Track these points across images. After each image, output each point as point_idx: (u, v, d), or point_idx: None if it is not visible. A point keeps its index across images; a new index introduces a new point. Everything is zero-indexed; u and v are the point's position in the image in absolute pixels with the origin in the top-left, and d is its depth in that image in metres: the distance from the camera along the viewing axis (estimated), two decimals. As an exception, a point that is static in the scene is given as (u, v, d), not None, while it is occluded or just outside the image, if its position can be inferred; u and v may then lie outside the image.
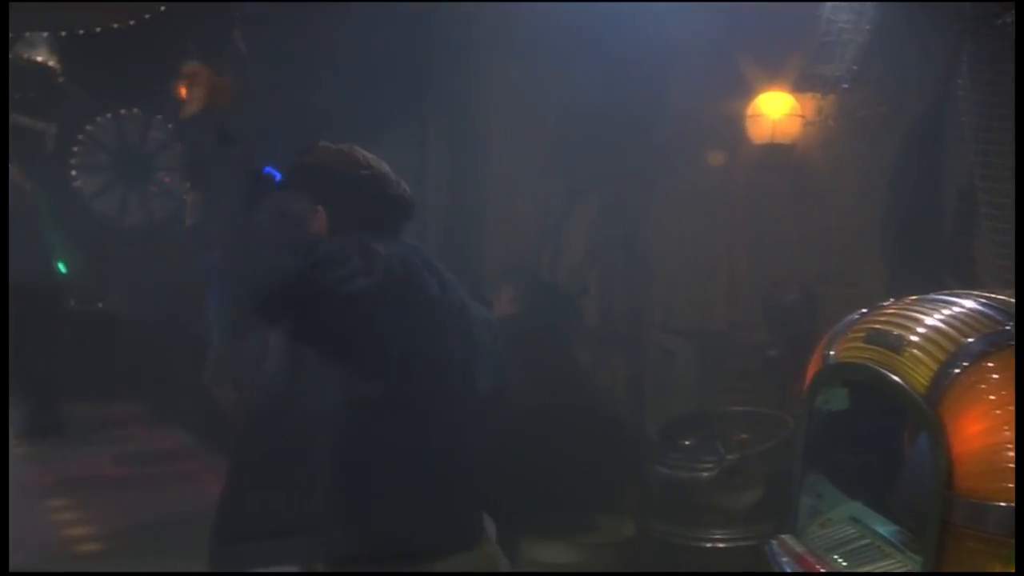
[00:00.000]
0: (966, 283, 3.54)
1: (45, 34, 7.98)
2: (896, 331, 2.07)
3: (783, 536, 2.33)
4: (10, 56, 7.97)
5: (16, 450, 6.29)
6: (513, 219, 6.73)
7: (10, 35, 7.89)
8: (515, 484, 4.64)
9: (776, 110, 4.90)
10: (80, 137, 9.16)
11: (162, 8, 7.96)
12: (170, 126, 9.26)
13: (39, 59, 8.12)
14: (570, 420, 5.31)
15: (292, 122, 8.26)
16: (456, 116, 7.84)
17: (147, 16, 8.08)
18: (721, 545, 3.71)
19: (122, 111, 9.23)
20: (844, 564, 2.16)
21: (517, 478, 4.64)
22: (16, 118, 8.50)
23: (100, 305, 8.69)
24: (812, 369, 2.39)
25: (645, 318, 5.91)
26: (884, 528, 2.25)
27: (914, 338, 2.01)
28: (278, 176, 8.84)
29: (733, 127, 5.13)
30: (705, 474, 3.75)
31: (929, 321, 2.04)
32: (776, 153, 4.96)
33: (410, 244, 2.32)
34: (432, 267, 2.28)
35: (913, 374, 1.96)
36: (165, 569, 3.97)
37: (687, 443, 4.04)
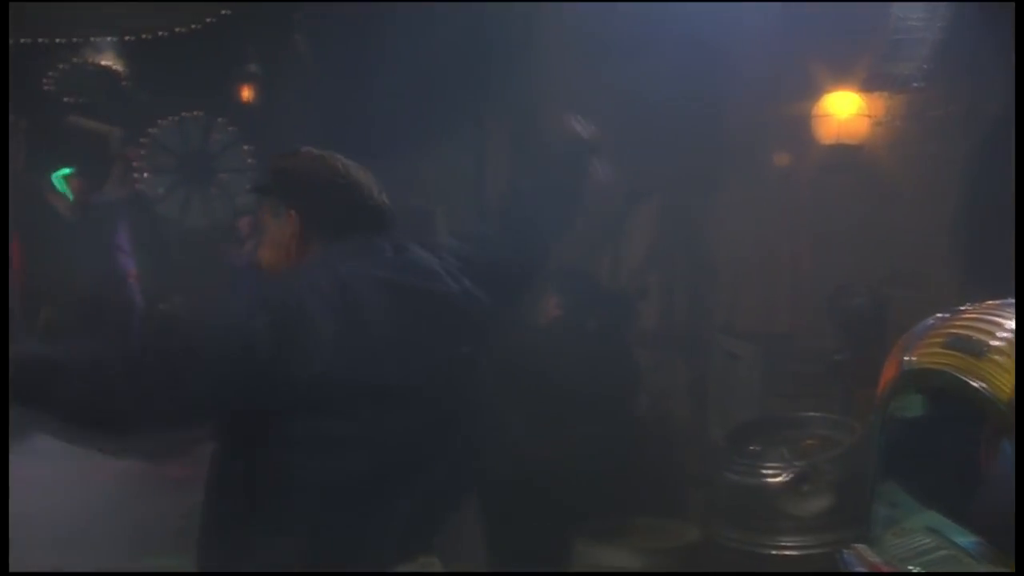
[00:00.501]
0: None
1: (110, 38, 8.07)
2: (977, 336, 2.01)
3: (857, 545, 2.27)
4: (77, 61, 8.09)
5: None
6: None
7: (77, 40, 8.03)
8: (576, 488, 4.62)
9: (843, 110, 4.82)
10: (143, 140, 9.26)
11: (224, 12, 8.05)
12: (231, 129, 9.35)
13: (104, 63, 8.23)
14: (630, 424, 5.27)
15: (350, 125, 8.34)
16: (515, 117, 7.82)
17: (209, 20, 8.17)
18: (789, 553, 3.65)
19: (184, 114, 9.31)
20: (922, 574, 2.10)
21: (579, 481, 4.62)
22: (81, 122, 8.63)
23: (162, 307, 8.78)
24: (887, 375, 2.32)
25: (707, 321, 5.84)
26: (963, 539, 2.18)
27: (996, 343, 1.95)
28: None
29: (798, 127, 5.05)
30: (773, 480, 3.68)
31: (1011, 325, 1.97)
32: (843, 153, 4.88)
33: (379, 255, 2.28)
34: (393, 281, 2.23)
35: (996, 380, 1.90)
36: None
37: (754, 448, 3.97)
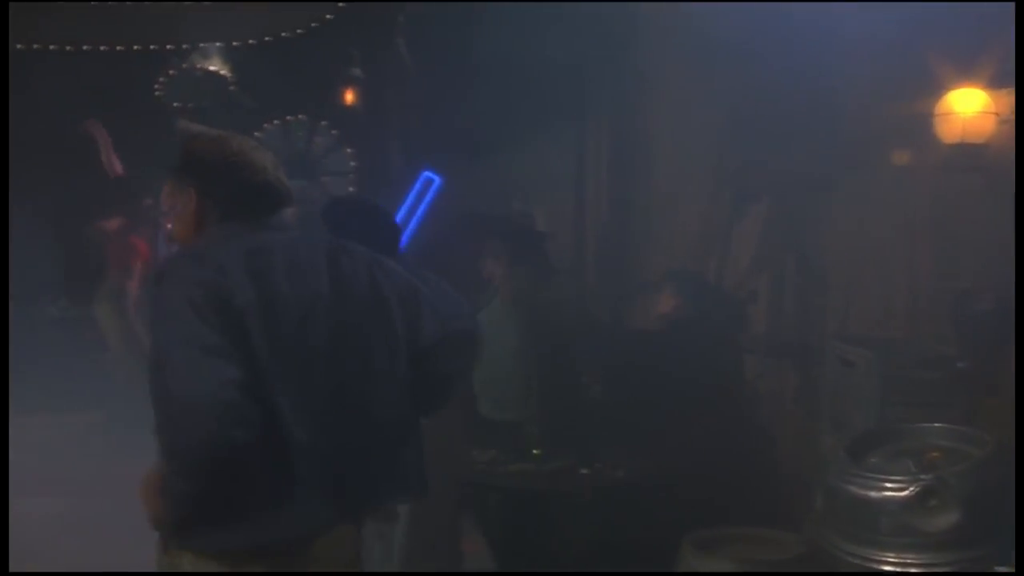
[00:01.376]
0: None
1: (218, 44, 8.19)
2: None
3: (1001, 569, 2.14)
4: (185, 66, 8.23)
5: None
6: (678, 222, 6.57)
7: (186, 46, 8.16)
8: (681, 494, 4.51)
9: (968, 107, 4.63)
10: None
11: (329, 16, 8.11)
12: (334, 132, 9.42)
13: (212, 68, 8.36)
14: (737, 431, 5.14)
15: (453, 123, 8.34)
16: (617, 116, 7.73)
17: (314, 24, 8.24)
18: (913, 571, 3.49)
19: (289, 118, 9.41)
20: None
21: (683, 488, 4.52)
22: (189, 126, 8.77)
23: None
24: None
25: (819, 326, 5.67)
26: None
27: None
28: (437, 180, 8.82)
29: (921, 125, 4.87)
30: (897, 493, 3.52)
31: None
32: (967, 153, 4.69)
33: (279, 233, 2.45)
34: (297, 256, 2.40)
35: None
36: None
37: (874, 460, 3.81)
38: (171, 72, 8.33)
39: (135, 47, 8.05)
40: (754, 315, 5.79)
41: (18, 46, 7.67)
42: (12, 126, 8.21)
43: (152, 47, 8.10)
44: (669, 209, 6.70)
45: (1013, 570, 3.18)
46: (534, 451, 3.91)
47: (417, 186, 9.00)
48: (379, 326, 2.48)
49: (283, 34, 8.19)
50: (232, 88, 8.54)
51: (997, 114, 4.65)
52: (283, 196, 2.51)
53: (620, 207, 7.66)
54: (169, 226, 2.50)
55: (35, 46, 7.66)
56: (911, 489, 3.51)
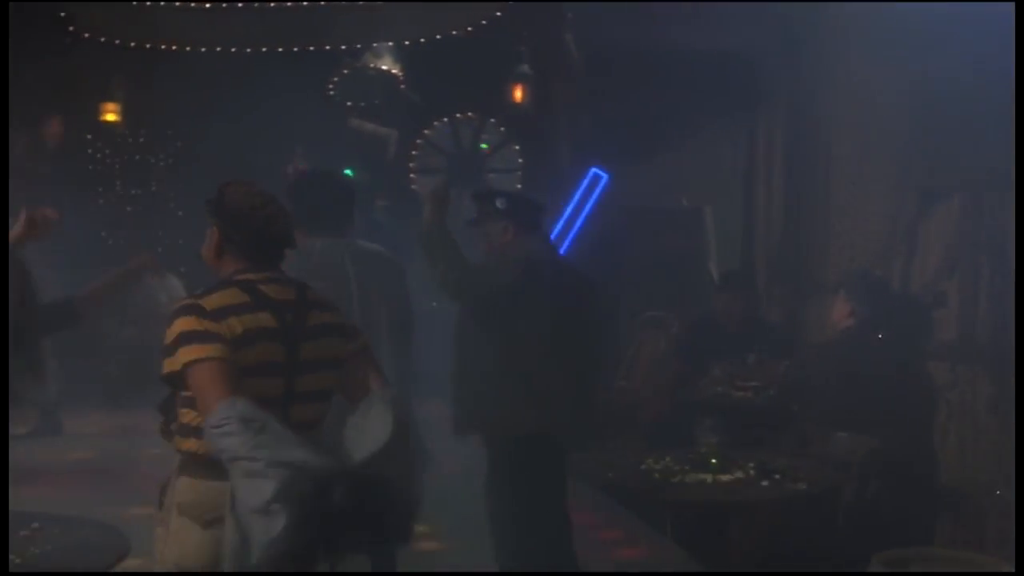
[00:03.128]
0: None
1: (390, 44, 8.30)
2: None
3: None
4: (358, 65, 8.38)
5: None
6: (859, 222, 6.30)
7: (359, 46, 8.31)
8: (866, 509, 4.31)
9: None
10: (419, 141, 9.51)
11: (498, 13, 8.12)
12: (502, 129, 9.44)
13: (383, 68, 8.49)
14: (927, 444, 4.89)
15: (622, 119, 8.26)
16: (793, 110, 7.50)
17: (484, 22, 8.27)
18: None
19: (458, 115, 9.49)
20: None
21: (869, 503, 4.31)
22: (362, 124, 8.96)
23: (434, 304, 8.97)
24: None
25: (1013, 332, 5.33)
26: None
27: None
28: (604, 176, 8.70)
29: None
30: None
31: None
32: None
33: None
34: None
35: None
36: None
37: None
38: (344, 71, 8.50)
39: (309, 47, 8.23)
40: (943, 320, 5.48)
41: (202, 49, 7.94)
42: (196, 127, 8.57)
43: (327, 48, 8.26)
44: (848, 208, 6.43)
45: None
46: (712, 461, 3.78)
47: (585, 182, 8.97)
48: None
49: (453, 32, 8.24)
50: (402, 86, 8.66)
51: None
52: (290, 242, 2.88)
53: (794, 205, 7.43)
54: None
55: (217, 48, 7.91)
56: None
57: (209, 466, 2.56)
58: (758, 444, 4.78)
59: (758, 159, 8.17)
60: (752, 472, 3.82)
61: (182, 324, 2.63)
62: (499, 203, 4.02)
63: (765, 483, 3.74)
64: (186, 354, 2.60)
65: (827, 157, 6.82)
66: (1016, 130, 4.21)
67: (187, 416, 2.68)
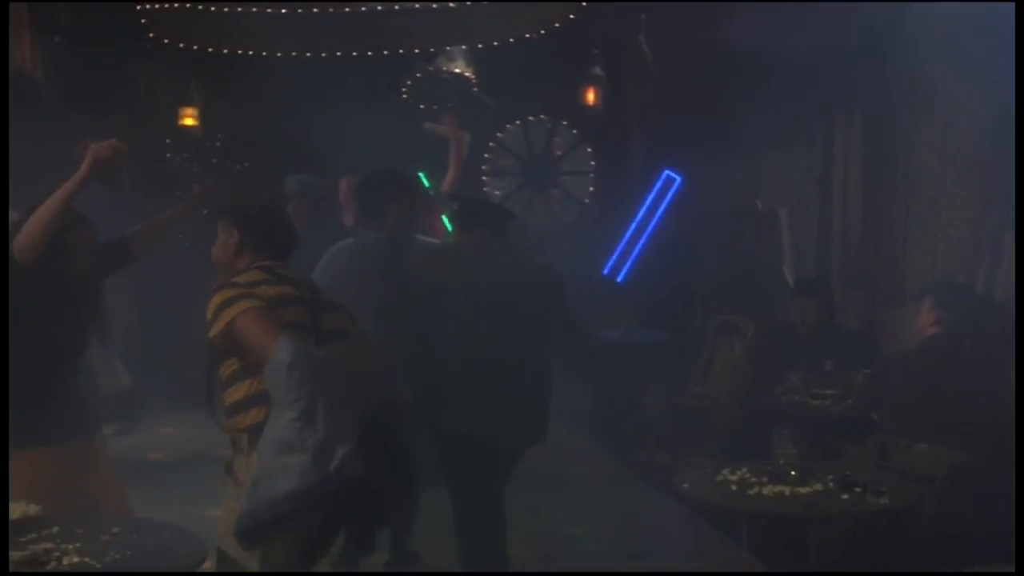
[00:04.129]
0: None
1: (463, 47, 8.30)
2: None
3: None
4: (431, 69, 8.39)
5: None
6: (940, 227, 6.14)
7: (432, 49, 8.31)
8: (951, 527, 4.18)
9: None
10: (491, 144, 9.51)
11: (571, 16, 8.08)
12: (575, 132, 9.40)
13: (456, 70, 8.48)
14: (1009, 458, 4.73)
15: (695, 122, 8.17)
16: (873, 113, 7.35)
17: (557, 24, 8.23)
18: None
19: (530, 118, 9.48)
20: None
21: (954, 520, 4.19)
22: (434, 128, 8.96)
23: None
24: None
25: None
26: None
27: None
28: (678, 179, 8.63)
29: None
30: None
31: None
32: None
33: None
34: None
35: None
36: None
37: None
38: (417, 75, 8.52)
39: (384, 51, 8.26)
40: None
41: (276, 54, 8.01)
42: (272, 131, 8.67)
43: (401, 51, 8.29)
44: (930, 213, 6.28)
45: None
46: (791, 473, 3.70)
47: (658, 185, 8.90)
48: None
49: (526, 35, 8.22)
50: (475, 89, 8.65)
51: None
52: (295, 242, 3.35)
53: (872, 209, 7.28)
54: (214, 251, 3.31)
55: (292, 53, 7.97)
56: None
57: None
58: (836, 455, 4.68)
59: (835, 162, 8.02)
60: (831, 485, 3.73)
61: (220, 296, 3.04)
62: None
63: (845, 496, 3.65)
64: (228, 313, 3.00)
65: (908, 161, 6.67)
66: (1016, 130, 4.06)
67: (241, 391, 3.03)
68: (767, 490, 3.69)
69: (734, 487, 3.77)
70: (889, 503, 3.66)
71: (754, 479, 3.79)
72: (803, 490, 3.69)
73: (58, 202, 3.42)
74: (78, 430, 3.62)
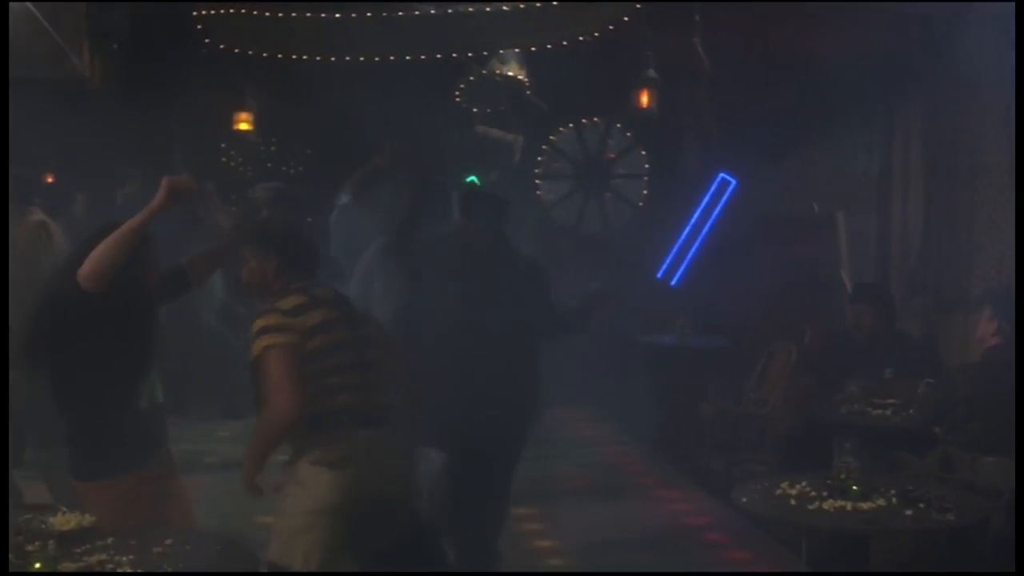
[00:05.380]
0: None
1: (516, 50, 8.27)
2: None
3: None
4: (484, 72, 8.36)
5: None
6: (1007, 234, 5.99)
7: (485, 53, 8.29)
8: (1011, 545, 4.05)
9: None
10: (544, 147, 9.46)
11: (625, 18, 8.01)
12: (628, 134, 9.32)
13: (509, 73, 8.45)
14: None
15: (751, 124, 8.06)
16: (933, 115, 7.20)
17: (610, 27, 8.16)
18: None
19: (583, 121, 9.42)
20: None
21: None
22: (488, 131, 8.94)
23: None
24: None
25: None
26: None
27: None
28: (733, 181, 8.55)
29: None
30: None
31: None
32: None
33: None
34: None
35: None
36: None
37: None
38: (471, 78, 8.50)
39: (437, 55, 8.25)
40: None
41: (330, 58, 8.04)
42: (325, 135, 8.71)
43: (453, 55, 8.28)
44: (995, 218, 6.12)
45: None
46: (852, 488, 3.61)
47: (712, 188, 8.79)
48: None
49: (579, 38, 8.17)
50: (528, 92, 8.61)
51: None
52: (318, 260, 3.57)
53: (934, 214, 7.13)
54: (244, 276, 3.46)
55: (347, 58, 8.00)
56: None
57: (321, 422, 3.25)
58: (897, 467, 4.57)
59: (894, 164, 7.87)
60: (894, 500, 3.63)
61: (263, 321, 3.28)
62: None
63: (909, 512, 3.54)
64: (264, 340, 3.24)
65: (971, 165, 6.52)
66: (1016, 130, 3.93)
67: None
68: (827, 504, 3.60)
69: (793, 501, 3.68)
70: (955, 519, 3.55)
71: (814, 493, 3.70)
72: (865, 505, 3.59)
73: (130, 231, 3.38)
74: (149, 454, 3.58)
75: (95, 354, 3.41)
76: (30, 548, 2.81)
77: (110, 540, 3.02)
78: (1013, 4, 5.33)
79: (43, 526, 2.92)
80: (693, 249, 8.70)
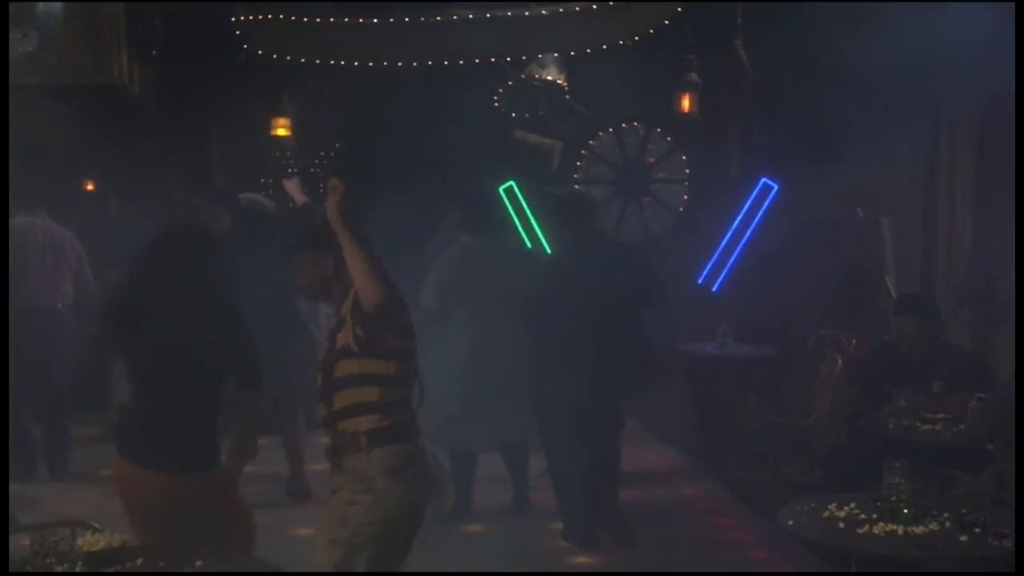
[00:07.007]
0: None
1: (555, 54, 8.19)
2: None
3: None
4: (523, 76, 8.29)
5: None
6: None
7: (524, 57, 8.22)
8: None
9: None
10: (584, 152, 9.37)
11: (666, 22, 7.92)
12: (669, 139, 9.21)
13: (548, 78, 8.37)
14: None
15: (793, 128, 7.93)
16: (980, 119, 7.03)
17: (651, 31, 8.07)
18: None
19: (623, 125, 9.32)
20: None
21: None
22: (526, 136, 8.87)
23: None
24: None
25: None
26: None
27: None
28: (775, 186, 8.42)
29: None
30: None
31: None
32: None
33: None
34: None
35: None
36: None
37: None
38: (509, 82, 8.43)
39: (475, 60, 8.21)
40: None
41: (368, 64, 8.02)
42: (363, 140, 8.68)
43: (492, 60, 8.23)
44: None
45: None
46: (904, 511, 3.48)
47: (755, 192, 8.66)
48: None
49: (619, 41, 8.08)
50: (567, 97, 8.52)
51: None
52: None
53: (983, 221, 6.96)
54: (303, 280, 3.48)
55: (384, 63, 7.98)
56: None
57: (396, 432, 3.30)
58: (949, 485, 4.43)
59: (940, 169, 7.70)
60: (948, 524, 3.50)
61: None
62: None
63: (964, 538, 3.41)
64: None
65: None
66: (1016, 130, 3.80)
67: (354, 396, 3.29)
68: (877, 528, 3.48)
69: (842, 524, 3.56)
70: (1012, 546, 3.41)
71: (863, 516, 3.58)
72: (917, 529, 3.46)
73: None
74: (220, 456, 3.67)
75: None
76: (59, 570, 2.76)
77: (139, 561, 2.96)
78: (1013, 4, 5.19)
79: (71, 548, 2.87)
80: (735, 255, 8.56)
